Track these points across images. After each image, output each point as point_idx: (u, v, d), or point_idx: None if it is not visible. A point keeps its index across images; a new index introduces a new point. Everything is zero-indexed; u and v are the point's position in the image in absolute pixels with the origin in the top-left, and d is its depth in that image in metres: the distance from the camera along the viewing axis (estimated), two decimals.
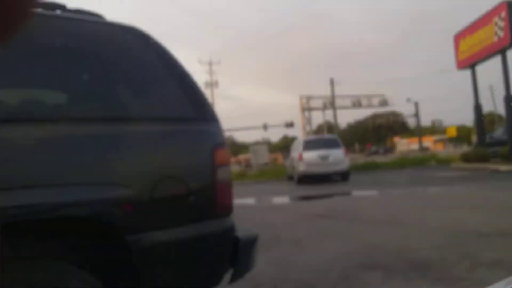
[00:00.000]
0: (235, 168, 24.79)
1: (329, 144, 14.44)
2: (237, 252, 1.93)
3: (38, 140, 1.55)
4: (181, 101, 1.96)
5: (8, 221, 1.42)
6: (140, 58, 1.99)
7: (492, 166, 13.19)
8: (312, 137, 19.62)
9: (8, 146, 1.48)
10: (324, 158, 13.76)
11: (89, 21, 1.97)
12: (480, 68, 16.14)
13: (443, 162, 18.17)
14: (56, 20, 1.87)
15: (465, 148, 23.43)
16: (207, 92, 33.85)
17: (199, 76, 40.13)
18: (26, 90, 1.85)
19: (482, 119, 16.66)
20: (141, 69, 1.98)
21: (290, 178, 15.95)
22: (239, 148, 72.51)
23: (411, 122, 54.82)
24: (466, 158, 15.44)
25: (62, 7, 1.98)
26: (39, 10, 1.91)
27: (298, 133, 41.74)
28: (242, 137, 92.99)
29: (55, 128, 1.61)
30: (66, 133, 1.62)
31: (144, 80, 1.96)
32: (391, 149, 57.92)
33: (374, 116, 58.65)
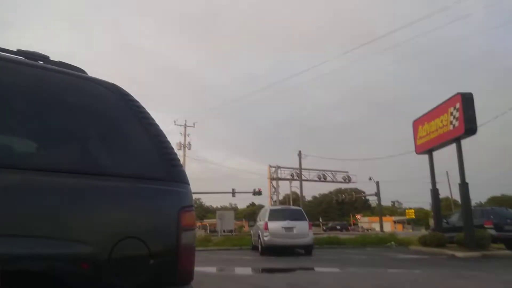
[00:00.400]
0: (199, 233, 24.03)
1: (295, 215, 14.45)
2: None
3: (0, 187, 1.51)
4: (152, 160, 1.94)
5: None
6: (116, 114, 2.00)
7: (449, 251, 13.49)
8: (278, 206, 19.61)
9: None
10: (289, 229, 13.67)
11: (70, 74, 2.00)
12: (438, 153, 17.15)
13: (402, 243, 18.43)
14: (37, 69, 1.90)
15: (423, 231, 24.01)
16: (179, 153, 33.93)
17: (172, 137, 40.38)
18: None
19: (438, 204, 17.32)
20: (117, 125, 1.98)
21: (255, 247, 15.63)
22: (206, 212, 71.02)
23: (372, 200, 56.26)
24: (424, 241, 15.76)
25: (45, 58, 2.03)
26: (22, 58, 1.94)
27: (265, 201, 41.71)
28: (209, 201, 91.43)
29: (19, 176, 1.57)
30: (30, 182, 1.58)
31: (118, 137, 1.95)
32: (347, 226, 58.63)
33: (338, 191, 59.91)
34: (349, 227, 58.25)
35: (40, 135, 1.77)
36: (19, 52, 1.99)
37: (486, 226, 14.88)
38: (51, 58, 2.08)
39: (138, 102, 2.06)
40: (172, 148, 2.08)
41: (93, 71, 2.23)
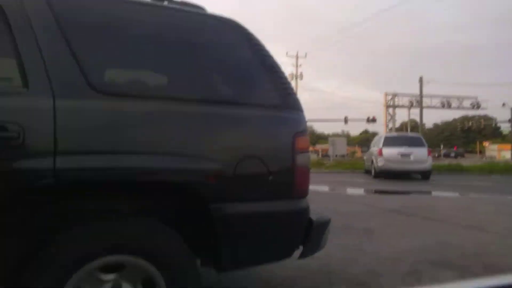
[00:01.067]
0: (312, 157, 24.80)
1: (412, 142, 13.97)
2: (309, 232, 2.08)
3: (142, 114, 1.81)
4: (269, 90, 2.12)
5: (113, 179, 1.70)
6: (235, 49, 2.18)
7: None
8: (394, 133, 18.89)
9: (118, 117, 1.76)
10: (405, 155, 13.30)
11: (193, 13, 2.18)
12: None
13: None
14: (164, 10, 2.11)
15: None
16: (292, 84, 33.94)
17: (285, 68, 40.30)
18: (134, 71, 2.14)
19: None
20: (236, 58, 2.17)
21: (368, 172, 15.67)
22: (318, 138, 72.01)
23: (505, 127, 49.72)
24: None
25: None
26: (151, 1, 2.19)
27: (379, 129, 40.20)
28: (321, 128, 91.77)
29: (157, 104, 1.86)
30: (166, 110, 1.86)
31: (237, 68, 2.15)
32: (463, 153, 53.31)
33: (464, 119, 54.09)
34: (465, 154, 53.19)
35: (171, 69, 2.02)
36: None
37: None
38: None
39: (254, 36, 2.19)
40: (286, 78, 2.23)
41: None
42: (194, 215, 1.92)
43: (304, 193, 2.12)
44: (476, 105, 37.97)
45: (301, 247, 2.11)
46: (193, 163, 1.83)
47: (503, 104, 38.29)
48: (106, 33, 1.90)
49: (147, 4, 2.14)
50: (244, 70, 2.15)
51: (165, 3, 2.15)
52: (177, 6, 2.16)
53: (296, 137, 2.05)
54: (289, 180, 2.04)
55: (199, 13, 2.21)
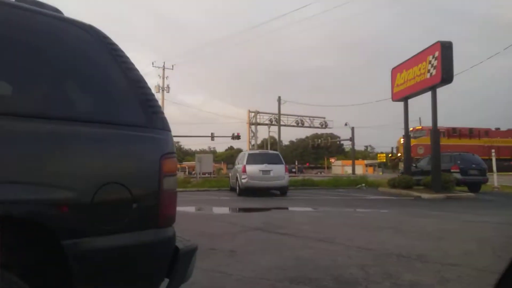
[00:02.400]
0: (179, 175, 24.44)
1: (272, 159, 14.95)
2: (175, 263, 1.92)
3: None
4: (133, 107, 1.92)
5: None
6: (94, 58, 1.93)
7: (415, 193, 14.30)
8: (256, 151, 20.02)
9: None
10: (266, 172, 14.19)
11: (45, 14, 1.89)
12: (411, 101, 17.52)
13: (373, 185, 19.38)
14: (8, 7, 1.77)
15: (393, 174, 25.18)
16: (158, 96, 33.36)
17: (151, 79, 39.37)
18: None
19: (409, 149, 18.01)
20: (94, 70, 1.92)
21: (233, 189, 16.23)
22: (185, 154, 71.65)
23: (347, 144, 57.84)
24: (392, 183, 16.59)
25: None
26: None
27: (244, 145, 42.24)
28: (188, 144, 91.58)
29: None
30: (6, 127, 1.54)
31: (96, 82, 1.90)
32: (301, 169, 60.44)
33: (314, 136, 61.35)
34: (303, 170, 60.14)
35: (13, 78, 1.70)
36: None
37: (452, 170, 15.76)
38: None
39: (116, 45, 1.99)
40: (152, 94, 2.05)
41: (68, 11, 2.11)
42: (44, 254, 1.63)
43: (170, 220, 1.98)
44: (324, 124, 43.31)
45: (166, 280, 1.94)
46: (41, 193, 1.55)
47: (346, 124, 44.39)
48: None
49: None
50: (105, 83, 1.91)
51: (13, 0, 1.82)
52: (27, 6, 1.84)
53: (163, 159, 1.90)
54: (154, 207, 1.86)
55: (53, 15, 1.92)
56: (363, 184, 19.49)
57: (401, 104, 17.71)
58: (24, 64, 1.71)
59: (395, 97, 18.15)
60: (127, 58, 2.00)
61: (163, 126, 2.01)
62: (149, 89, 2.04)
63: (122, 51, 1.99)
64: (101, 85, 1.91)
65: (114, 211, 1.75)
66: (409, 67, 16.64)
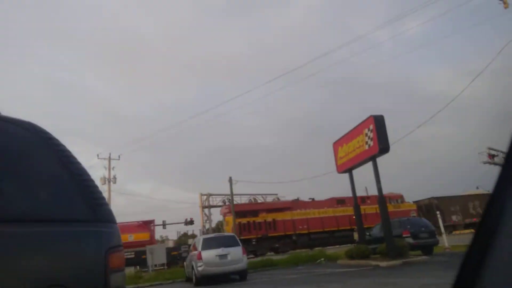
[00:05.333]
0: (129, 270, 22.75)
1: (228, 242, 14.42)
2: None
3: None
4: (75, 201, 1.85)
5: None
6: (35, 156, 1.89)
7: (373, 262, 14.39)
8: (211, 235, 19.41)
9: None
10: (223, 256, 13.62)
11: None
12: (358, 170, 18.40)
13: (331, 258, 19.26)
14: None
15: (348, 245, 25.32)
16: (104, 188, 32.12)
17: (96, 171, 38.14)
18: None
19: (360, 219, 18.46)
20: (35, 166, 1.87)
21: (189, 279, 15.29)
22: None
23: None
24: (350, 255, 16.63)
25: None
26: None
27: (197, 230, 40.86)
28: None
29: None
30: None
31: (36, 178, 1.84)
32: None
33: None
34: None
35: None
36: None
37: (404, 235, 16.20)
38: None
39: (57, 140, 1.96)
40: (96, 186, 2.00)
41: (7, 108, 2.08)
42: None
43: None
44: (277, 200, 43.44)
45: None
46: None
47: (297, 199, 44.91)
48: None
49: None
50: (45, 180, 1.85)
51: None
52: None
53: (109, 254, 1.81)
54: None
55: None
56: (322, 259, 19.33)
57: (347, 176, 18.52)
58: None
59: (340, 169, 18.99)
60: (69, 152, 1.95)
61: (108, 218, 1.94)
62: (93, 181, 2.00)
63: (62, 145, 1.97)
64: (41, 180, 1.85)
65: None
66: (349, 141, 17.75)
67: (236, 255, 13.82)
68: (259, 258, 23.95)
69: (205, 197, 40.00)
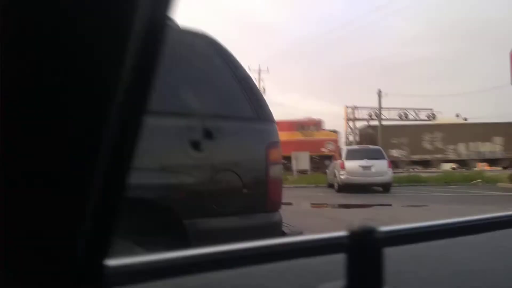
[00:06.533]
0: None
1: (373, 154, 14.30)
2: None
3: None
4: (242, 102, 2.10)
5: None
6: (208, 62, 2.16)
7: None
8: (355, 146, 19.39)
9: None
10: (366, 168, 13.63)
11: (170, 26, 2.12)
12: None
13: (490, 181, 17.31)
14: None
15: None
16: None
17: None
18: None
19: None
20: (209, 71, 2.15)
21: (331, 185, 15.86)
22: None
23: None
24: None
25: None
26: None
27: (341, 142, 41.23)
28: None
29: None
30: (154, 123, 1.75)
31: (211, 81, 2.13)
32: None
33: None
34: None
35: (165, 84, 1.92)
36: None
37: None
38: None
39: (225, 47, 2.18)
40: (258, 89, 2.26)
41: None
42: (168, 233, 1.85)
43: (277, 206, 2.11)
44: (432, 117, 39.70)
45: None
46: (167, 178, 1.79)
47: (457, 115, 40.39)
48: None
49: None
50: (217, 83, 2.14)
51: None
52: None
53: (269, 149, 2.04)
54: (262, 193, 2.02)
55: (171, 26, 2.16)
56: (479, 180, 17.54)
57: None
58: (164, 72, 1.98)
59: None
60: (235, 59, 2.18)
61: (268, 117, 2.15)
62: (255, 84, 2.24)
63: (231, 54, 2.18)
64: (214, 84, 2.14)
65: (227, 196, 1.95)
66: None
67: (381, 168, 13.68)
68: (404, 173, 23.19)
69: (350, 109, 39.29)
